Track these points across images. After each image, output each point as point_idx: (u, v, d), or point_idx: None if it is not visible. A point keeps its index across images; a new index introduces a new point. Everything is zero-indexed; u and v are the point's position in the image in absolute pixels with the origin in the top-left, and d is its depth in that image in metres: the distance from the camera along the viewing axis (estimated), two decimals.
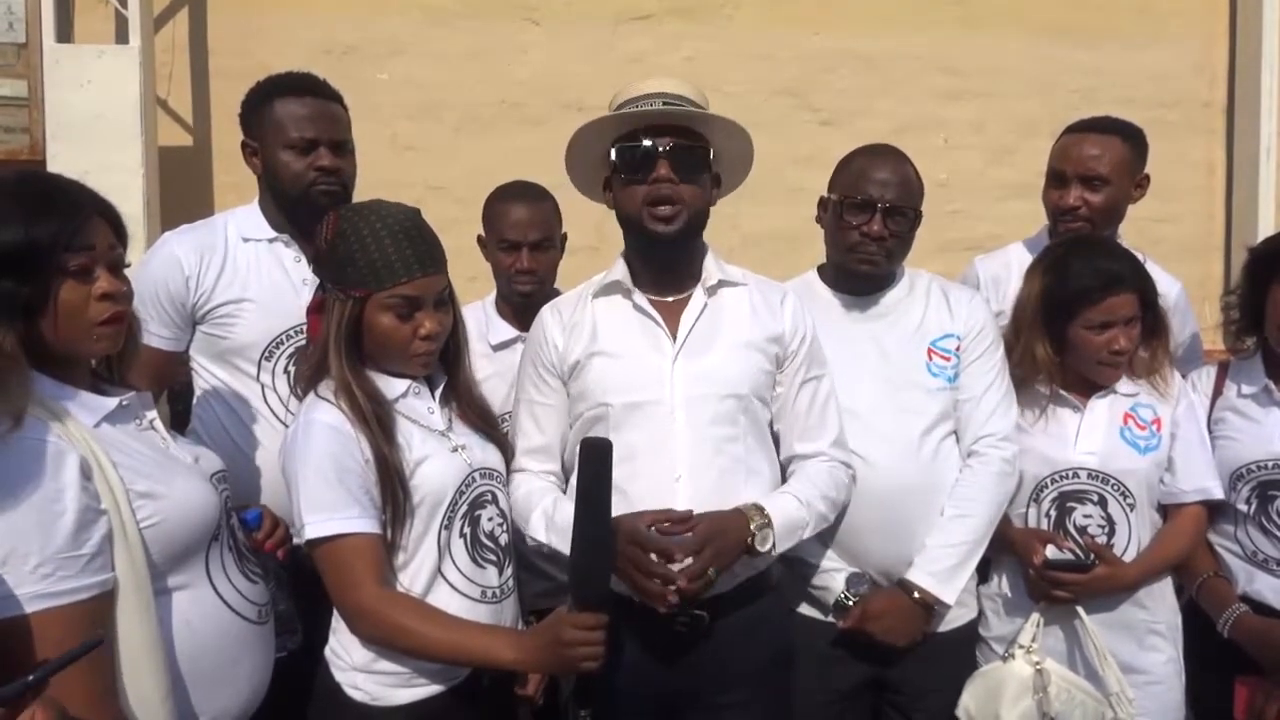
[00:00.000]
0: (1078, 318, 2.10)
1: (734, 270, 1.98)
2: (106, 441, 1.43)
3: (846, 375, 2.03)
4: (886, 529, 2.04)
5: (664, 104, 1.86)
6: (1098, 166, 2.45)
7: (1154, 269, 2.30)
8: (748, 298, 1.96)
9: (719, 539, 1.73)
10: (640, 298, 1.91)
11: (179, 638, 1.48)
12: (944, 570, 2.02)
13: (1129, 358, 2.14)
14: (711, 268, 1.94)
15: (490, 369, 2.29)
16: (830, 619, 2.07)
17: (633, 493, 1.78)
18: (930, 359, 2.11)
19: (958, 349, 2.12)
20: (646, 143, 1.83)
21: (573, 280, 2.14)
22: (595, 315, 1.93)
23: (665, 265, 1.92)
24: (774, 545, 1.79)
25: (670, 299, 1.92)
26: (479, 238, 2.54)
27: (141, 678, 1.38)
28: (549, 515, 1.83)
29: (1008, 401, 2.14)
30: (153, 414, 1.59)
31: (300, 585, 1.79)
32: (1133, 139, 2.53)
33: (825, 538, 2.08)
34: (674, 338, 1.88)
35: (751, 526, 1.77)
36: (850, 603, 2.03)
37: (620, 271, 1.94)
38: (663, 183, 1.82)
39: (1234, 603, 2.10)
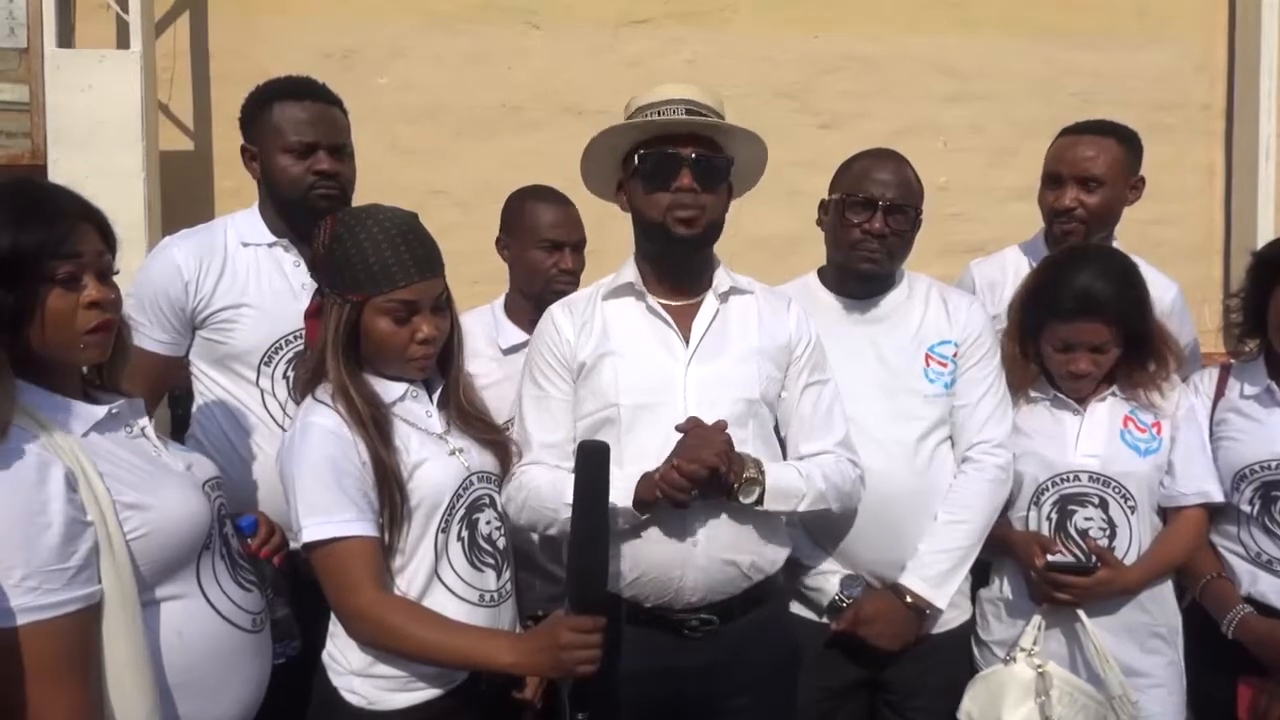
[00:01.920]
0: (1045, 330, 2.12)
1: (742, 279, 2.00)
2: (94, 451, 1.42)
3: (844, 380, 2.03)
4: (881, 533, 2.05)
5: (686, 111, 1.86)
6: (1093, 168, 2.46)
7: (1150, 271, 2.30)
8: (755, 305, 1.97)
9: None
10: (653, 300, 1.92)
11: (171, 649, 1.47)
12: (936, 575, 2.03)
13: (1098, 377, 2.12)
14: (722, 275, 1.96)
15: (500, 373, 2.28)
16: (824, 620, 2.08)
17: None
18: (928, 365, 2.12)
19: (955, 355, 2.13)
20: (672, 151, 1.84)
21: None
22: (606, 316, 1.93)
23: (679, 270, 1.93)
24: (759, 501, 1.77)
25: (680, 303, 1.93)
26: (498, 240, 2.51)
27: (127, 691, 1.37)
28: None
29: (1003, 408, 2.15)
30: (144, 421, 1.57)
31: (299, 590, 1.79)
32: (1128, 141, 2.53)
33: (821, 540, 2.10)
34: (686, 341, 1.89)
35: (744, 473, 1.75)
36: (844, 605, 2.05)
37: (631, 274, 1.95)
38: (685, 192, 1.83)
39: (1237, 604, 2.10)
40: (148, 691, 1.39)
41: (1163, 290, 2.42)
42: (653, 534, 1.80)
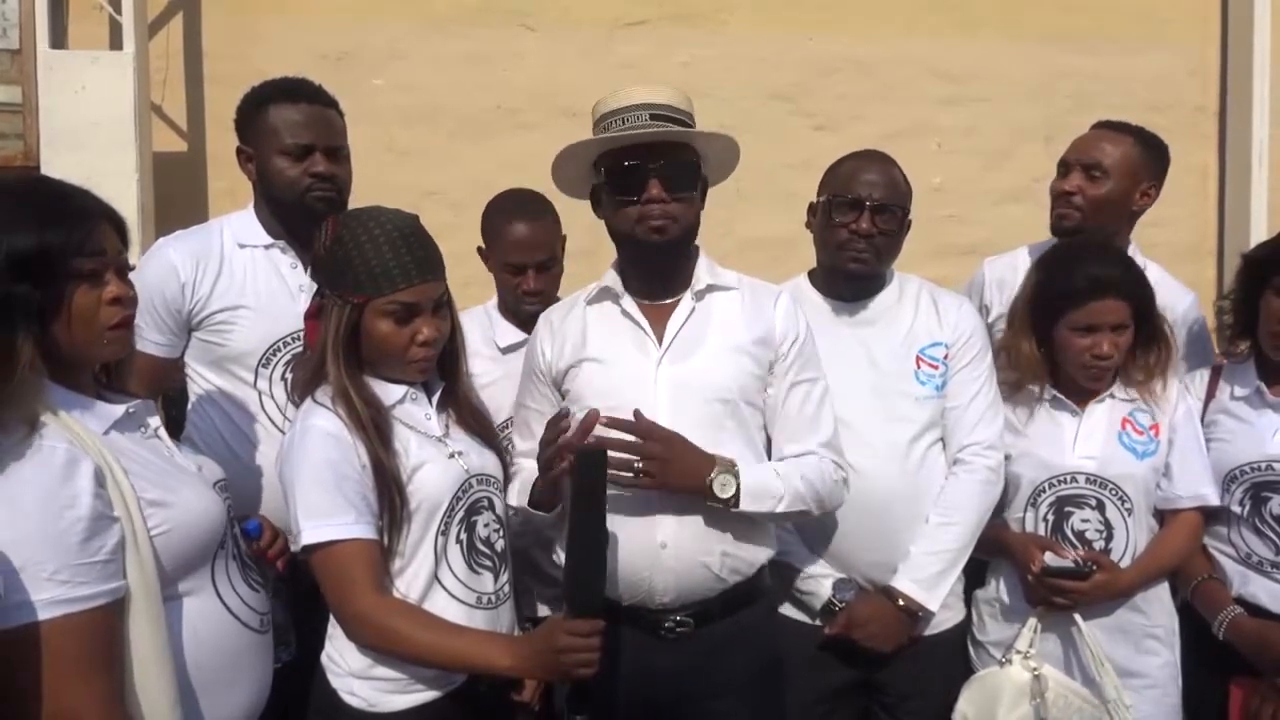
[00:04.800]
0: (1063, 318, 2.11)
1: (727, 275, 1.98)
2: (116, 449, 1.43)
3: (834, 382, 2.02)
4: (873, 535, 2.06)
5: (650, 116, 1.83)
6: (1101, 158, 2.47)
7: (1166, 279, 2.30)
8: (739, 301, 1.95)
9: (678, 458, 1.74)
10: (629, 303, 1.92)
11: (186, 645, 1.48)
12: (928, 577, 2.04)
13: (1116, 364, 2.13)
14: (702, 272, 1.94)
15: (499, 371, 2.28)
16: (817, 622, 2.08)
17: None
18: (918, 367, 2.12)
19: (946, 357, 2.14)
20: (637, 162, 1.82)
21: (569, 285, 2.14)
22: (586, 322, 1.94)
23: (658, 272, 1.93)
24: (735, 497, 1.76)
25: (658, 304, 1.93)
26: (479, 249, 2.49)
27: (151, 685, 1.38)
28: (525, 482, 1.86)
29: (994, 409, 2.15)
30: (156, 422, 1.59)
31: (297, 593, 1.79)
32: (1147, 145, 2.53)
33: (813, 543, 2.10)
34: (660, 342, 1.88)
35: (714, 469, 1.75)
36: (837, 608, 2.05)
37: (611, 278, 1.95)
38: (655, 202, 1.81)
39: (1228, 605, 2.10)
40: (170, 686, 1.40)
41: (1175, 299, 2.42)
42: (622, 534, 1.79)
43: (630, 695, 1.83)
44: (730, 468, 1.77)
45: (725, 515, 1.81)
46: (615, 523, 1.78)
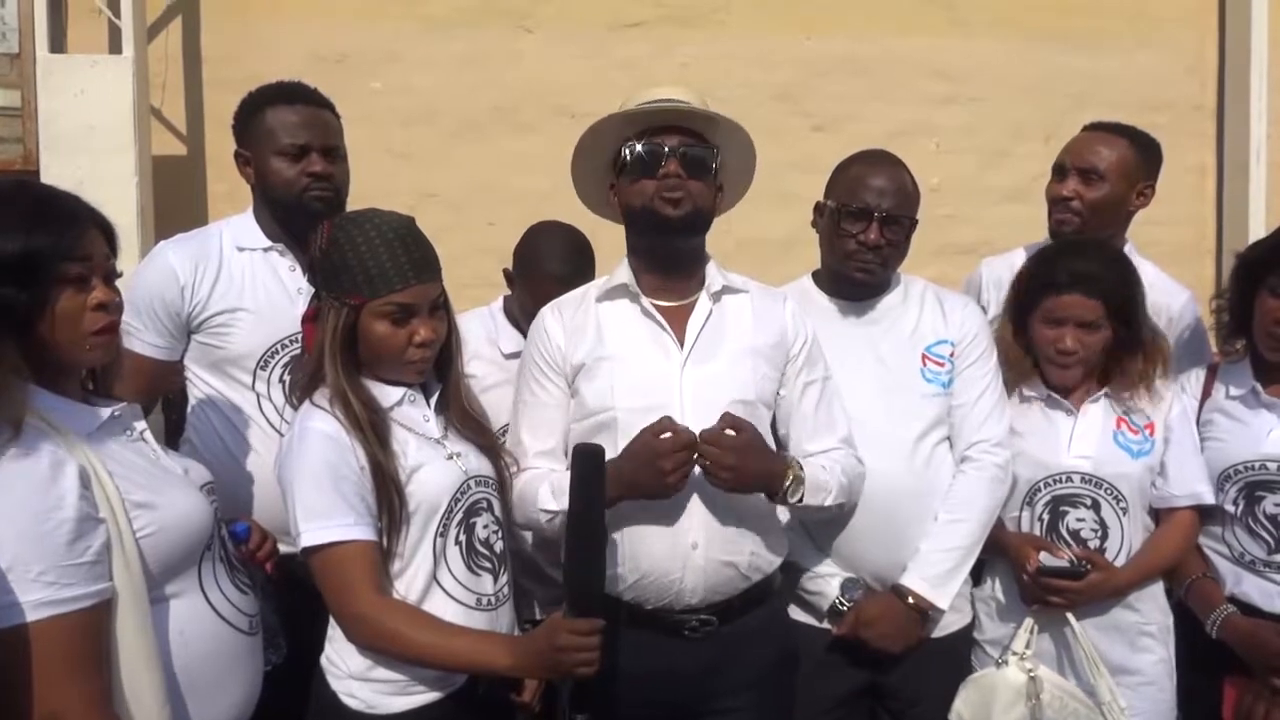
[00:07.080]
0: (1037, 308, 2.13)
1: (735, 277, 2.00)
2: (101, 452, 1.43)
3: (842, 380, 2.03)
4: (881, 534, 2.05)
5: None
6: (1097, 162, 2.47)
7: (1161, 277, 2.29)
8: (750, 304, 1.97)
9: (754, 456, 1.77)
10: (647, 302, 1.92)
11: (173, 647, 1.48)
12: (938, 575, 2.03)
13: (1081, 361, 2.13)
14: (714, 274, 1.96)
15: (500, 376, 2.27)
16: (825, 625, 2.07)
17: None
18: (925, 364, 2.12)
19: (952, 355, 2.13)
20: (659, 140, 1.85)
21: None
22: (600, 318, 1.93)
23: (669, 263, 1.92)
24: (802, 499, 1.83)
25: (674, 304, 1.93)
26: (505, 271, 2.45)
27: (139, 687, 1.38)
28: (555, 485, 1.83)
29: (1001, 407, 2.15)
30: (143, 425, 1.59)
31: (293, 595, 1.79)
32: (1140, 145, 2.54)
33: (820, 542, 2.09)
34: (681, 343, 1.89)
35: (789, 475, 1.82)
36: (845, 608, 2.04)
37: (625, 275, 1.94)
38: (672, 177, 1.84)
39: (1221, 604, 2.11)
40: (158, 688, 1.40)
41: (1169, 297, 2.42)
42: (652, 536, 1.81)
43: (651, 697, 1.84)
44: (799, 470, 1.84)
45: (752, 515, 1.85)
46: (645, 527, 1.80)
